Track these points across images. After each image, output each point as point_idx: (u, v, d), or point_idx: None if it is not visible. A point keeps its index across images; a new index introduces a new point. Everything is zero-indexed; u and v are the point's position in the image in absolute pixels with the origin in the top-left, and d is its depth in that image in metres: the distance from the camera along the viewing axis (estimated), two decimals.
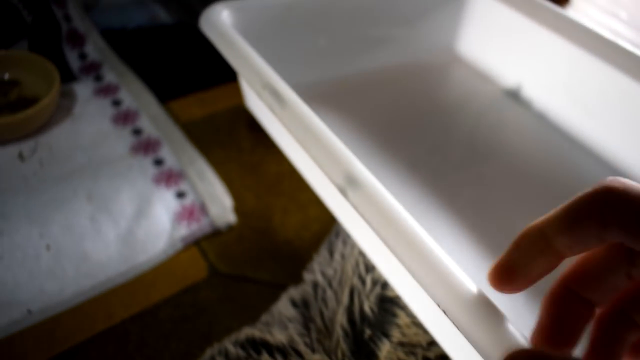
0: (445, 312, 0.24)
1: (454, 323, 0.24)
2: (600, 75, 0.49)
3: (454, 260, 0.26)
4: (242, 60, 0.38)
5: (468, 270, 0.42)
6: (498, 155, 0.52)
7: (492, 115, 0.59)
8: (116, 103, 0.70)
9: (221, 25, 0.41)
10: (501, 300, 0.24)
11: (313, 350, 0.40)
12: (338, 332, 0.39)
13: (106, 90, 0.71)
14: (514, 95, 0.61)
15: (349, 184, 0.30)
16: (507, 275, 0.22)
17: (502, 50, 0.61)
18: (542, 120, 0.57)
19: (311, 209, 0.61)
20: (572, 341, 0.21)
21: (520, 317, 0.37)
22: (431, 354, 0.39)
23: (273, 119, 0.38)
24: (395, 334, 0.38)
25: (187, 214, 0.59)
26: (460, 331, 0.23)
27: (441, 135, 0.55)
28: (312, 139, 0.33)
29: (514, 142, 0.54)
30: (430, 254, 0.26)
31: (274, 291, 0.52)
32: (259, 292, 0.54)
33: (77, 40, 0.76)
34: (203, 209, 0.59)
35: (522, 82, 0.59)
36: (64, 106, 0.68)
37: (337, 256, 0.46)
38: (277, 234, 0.60)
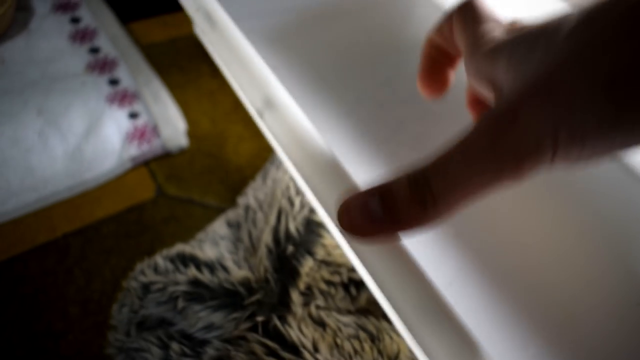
0: (342, 234, 0.24)
1: (348, 244, 0.24)
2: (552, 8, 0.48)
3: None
4: None
5: None
6: (451, 92, 0.52)
7: None
8: (75, 20, 0.68)
9: None
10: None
11: (239, 267, 0.40)
12: (262, 250, 0.39)
13: (65, 7, 0.69)
14: None
15: (266, 107, 0.29)
16: (423, 79, 0.29)
17: None
18: None
19: (266, 138, 0.61)
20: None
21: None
22: (357, 276, 0.40)
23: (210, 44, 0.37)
24: (320, 252, 0.39)
25: (138, 135, 0.58)
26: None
27: (394, 70, 0.54)
28: (235, 61, 0.32)
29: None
30: (337, 177, 0.25)
31: (219, 215, 0.53)
32: (205, 215, 0.54)
33: None
34: (155, 131, 0.58)
35: None
36: (20, 20, 0.66)
37: (269, 181, 0.46)
38: (229, 160, 0.59)
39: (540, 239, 0.39)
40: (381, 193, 0.20)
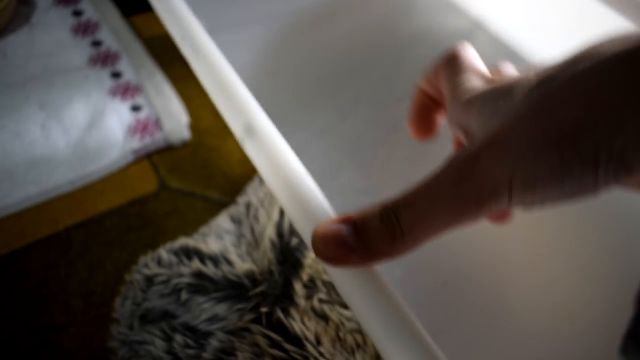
0: (316, 259, 0.24)
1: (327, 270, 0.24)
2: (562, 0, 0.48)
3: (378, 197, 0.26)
4: (164, 7, 0.36)
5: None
6: None
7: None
8: (77, 13, 0.68)
9: None
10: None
11: (243, 261, 0.40)
12: (266, 243, 0.39)
13: (67, 0, 0.69)
14: (480, 26, 0.59)
15: (246, 135, 0.29)
16: (413, 124, 0.31)
17: None
18: (506, 51, 0.56)
19: None
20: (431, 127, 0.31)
21: None
22: None
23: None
24: None
25: (141, 128, 0.58)
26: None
27: (391, 68, 0.53)
28: (217, 91, 0.32)
29: None
30: (311, 210, 0.25)
31: (222, 209, 0.52)
32: (207, 208, 0.54)
33: None
34: (158, 124, 0.58)
35: (490, 12, 0.58)
36: (22, 13, 0.66)
37: None
38: (231, 154, 0.59)
39: (538, 236, 0.39)
40: (355, 223, 0.22)
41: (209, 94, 0.33)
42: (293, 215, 0.24)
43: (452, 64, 0.27)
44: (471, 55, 0.27)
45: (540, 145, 0.19)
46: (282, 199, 0.25)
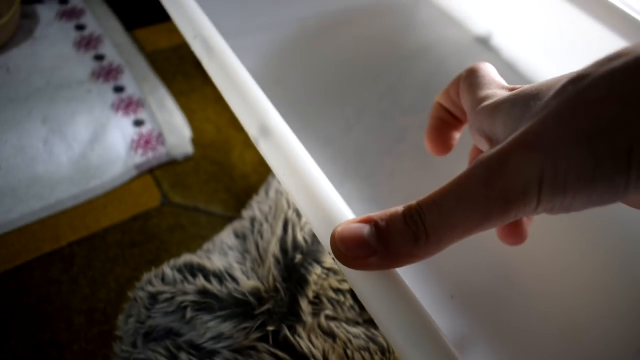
0: (335, 262, 0.23)
1: (342, 270, 0.23)
2: (565, 19, 0.47)
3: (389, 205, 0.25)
4: (175, 7, 0.36)
5: None
6: None
7: (456, 61, 0.57)
8: (80, 27, 0.68)
9: None
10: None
11: (248, 278, 0.40)
12: (270, 260, 0.39)
13: (71, 14, 0.69)
14: (484, 43, 0.59)
15: (261, 135, 0.29)
16: (431, 139, 0.31)
17: None
18: (509, 69, 0.56)
19: None
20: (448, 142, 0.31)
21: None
22: None
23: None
24: (328, 260, 0.39)
25: (143, 143, 0.58)
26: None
27: (396, 80, 0.53)
28: (232, 90, 0.32)
29: None
30: (329, 208, 0.25)
31: (225, 224, 0.52)
32: (210, 223, 0.53)
33: None
34: (160, 139, 0.58)
35: (493, 29, 0.58)
36: (26, 28, 0.66)
37: (272, 194, 0.46)
38: (234, 168, 0.59)
39: (545, 249, 0.39)
40: (377, 223, 0.21)
41: (222, 93, 0.32)
42: (309, 216, 0.24)
43: (473, 77, 0.27)
44: (491, 70, 0.28)
45: (573, 141, 0.19)
46: (298, 199, 0.25)
